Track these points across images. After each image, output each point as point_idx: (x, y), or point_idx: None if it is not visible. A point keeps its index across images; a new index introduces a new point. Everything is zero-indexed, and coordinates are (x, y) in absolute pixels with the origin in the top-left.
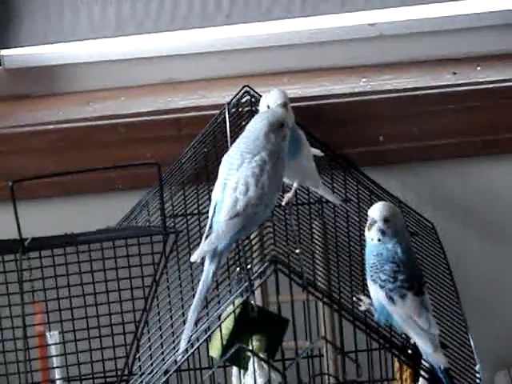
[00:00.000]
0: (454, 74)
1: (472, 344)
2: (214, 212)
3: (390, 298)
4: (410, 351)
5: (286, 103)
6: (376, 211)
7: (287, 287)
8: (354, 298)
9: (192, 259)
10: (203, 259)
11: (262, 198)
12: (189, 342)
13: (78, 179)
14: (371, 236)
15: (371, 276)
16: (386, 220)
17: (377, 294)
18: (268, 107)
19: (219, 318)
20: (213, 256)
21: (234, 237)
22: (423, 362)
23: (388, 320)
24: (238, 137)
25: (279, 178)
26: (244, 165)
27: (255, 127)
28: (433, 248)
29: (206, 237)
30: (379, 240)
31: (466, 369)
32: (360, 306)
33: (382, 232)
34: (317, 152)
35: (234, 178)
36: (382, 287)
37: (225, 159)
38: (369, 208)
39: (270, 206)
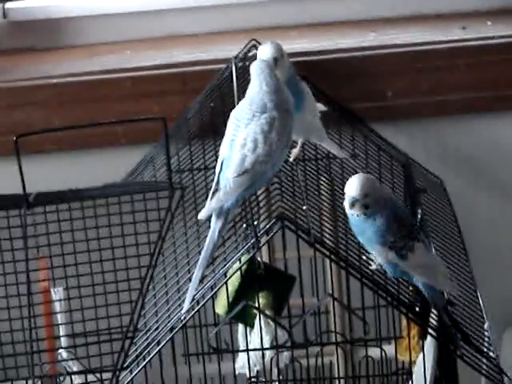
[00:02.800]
0: (464, 28)
1: (480, 302)
2: (221, 168)
3: (401, 256)
4: (417, 308)
5: (277, 57)
6: (354, 189)
7: (294, 244)
8: (364, 257)
9: (199, 217)
10: (210, 216)
11: (270, 156)
12: (193, 299)
13: (83, 134)
14: (355, 212)
15: (378, 241)
16: (366, 195)
17: (387, 255)
18: None
19: (225, 274)
20: (219, 213)
21: (241, 194)
22: (431, 319)
23: (402, 276)
24: (244, 91)
25: (288, 135)
26: (253, 121)
27: (262, 82)
28: (441, 204)
29: (213, 194)
30: (365, 214)
31: (474, 327)
32: (370, 265)
33: (365, 207)
34: (320, 106)
35: (243, 134)
36: (391, 248)
37: (233, 115)
38: (377, 164)
39: (279, 163)
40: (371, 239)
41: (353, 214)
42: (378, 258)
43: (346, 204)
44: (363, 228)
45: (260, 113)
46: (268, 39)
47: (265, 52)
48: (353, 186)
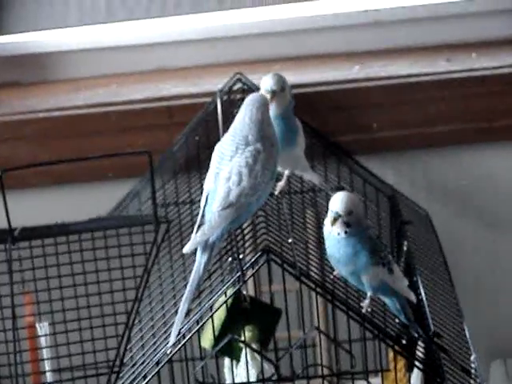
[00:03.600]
0: (449, 60)
1: (467, 334)
2: (206, 202)
3: (390, 270)
4: (404, 341)
5: (275, 90)
6: (339, 204)
7: (280, 277)
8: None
9: (184, 251)
10: (195, 249)
11: (255, 188)
12: (179, 333)
13: (69, 168)
14: (336, 230)
15: (373, 261)
16: (349, 213)
17: (378, 273)
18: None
19: (211, 308)
20: (205, 247)
21: (226, 227)
22: (417, 352)
23: (390, 297)
24: (230, 124)
25: (273, 167)
26: (237, 154)
27: (246, 115)
28: (427, 236)
29: (198, 227)
30: (346, 232)
31: (461, 359)
32: (361, 302)
33: (348, 225)
34: None
35: (227, 167)
36: (384, 265)
37: (217, 148)
38: (363, 196)
39: (264, 196)
40: (365, 262)
41: (330, 232)
42: (372, 280)
43: (328, 220)
44: (351, 251)
45: (244, 145)
46: (253, 72)
47: (265, 83)
48: (337, 202)
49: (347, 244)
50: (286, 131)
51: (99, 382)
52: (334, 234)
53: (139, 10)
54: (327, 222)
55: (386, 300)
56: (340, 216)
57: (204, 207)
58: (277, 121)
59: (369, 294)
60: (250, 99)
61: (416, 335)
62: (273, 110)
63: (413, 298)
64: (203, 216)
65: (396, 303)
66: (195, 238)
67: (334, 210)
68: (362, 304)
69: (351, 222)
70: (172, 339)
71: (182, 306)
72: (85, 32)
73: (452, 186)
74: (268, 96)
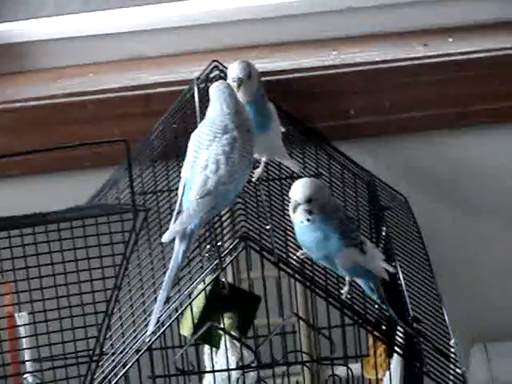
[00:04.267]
0: (425, 45)
1: (446, 319)
2: (184, 191)
3: (362, 250)
4: (384, 327)
5: (242, 79)
6: (297, 192)
7: (259, 264)
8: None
9: (163, 240)
10: (174, 238)
11: (232, 176)
12: (158, 321)
13: (47, 157)
14: (298, 218)
15: (344, 243)
16: (309, 200)
17: (351, 255)
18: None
19: (190, 296)
20: (183, 235)
21: (205, 216)
22: (397, 337)
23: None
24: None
25: (250, 155)
26: (214, 143)
27: (222, 104)
28: (406, 221)
29: (176, 216)
30: (308, 220)
31: (440, 344)
32: (341, 288)
33: (309, 212)
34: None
35: (204, 156)
36: (356, 246)
37: (193, 137)
38: (341, 182)
39: (242, 183)
40: (337, 245)
41: (295, 219)
42: (345, 262)
43: (290, 208)
44: (322, 235)
45: (221, 134)
46: (229, 59)
47: (231, 71)
48: (295, 190)
49: (314, 229)
50: (258, 117)
51: (79, 370)
52: (296, 222)
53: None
54: (290, 210)
55: (360, 280)
56: (299, 204)
57: (182, 196)
58: (247, 107)
59: (347, 279)
60: (219, 88)
61: (390, 316)
62: (241, 98)
63: (386, 276)
64: (181, 205)
65: (370, 282)
66: (173, 227)
67: (294, 198)
68: (341, 291)
69: (312, 209)
70: (151, 327)
71: (161, 295)
72: (61, 21)
73: (431, 172)
74: (234, 84)
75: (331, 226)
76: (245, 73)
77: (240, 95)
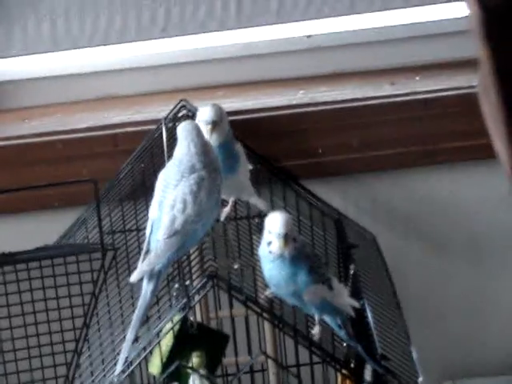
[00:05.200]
0: (393, 84)
1: (414, 356)
2: (152, 230)
3: (330, 287)
4: (352, 365)
5: (216, 121)
6: (283, 225)
7: (228, 303)
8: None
9: (131, 280)
10: (142, 277)
11: (200, 215)
12: (126, 360)
13: (15, 197)
14: (288, 249)
15: (314, 279)
16: (292, 229)
17: (319, 292)
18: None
19: (158, 335)
20: (151, 275)
21: (172, 255)
22: (366, 376)
23: (327, 312)
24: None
25: (217, 194)
26: (182, 182)
27: (189, 143)
28: (374, 260)
29: (144, 255)
30: (295, 248)
31: (408, 381)
32: (312, 329)
33: (295, 240)
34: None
35: (171, 195)
36: (323, 282)
37: (161, 177)
38: (309, 220)
39: (209, 223)
40: (305, 281)
41: (283, 255)
42: (313, 299)
43: (277, 243)
44: (291, 271)
45: (188, 173)
46: (197, 99)
47: (204, 115)
48: (280, 223)
49: (290, 263)
50: (227, 159)
51: None
52: (283, 256)
53: (82, 39)
54: (275, 246)
55: (327, 317)
56: (287, 235)
57: (149, 235)
58: (218, 150)
59: (317, 318)
60: (187, 128)
61: (358, 353)
62: (214, 140)
63: (352, 313)
64: (149, 244)
65: (337, 319)
66: (141, 267)
67: (281, 231)
68: (312, 331)
69: (296, 237)
70: (119, 366)
71: (129, 334)
72: (29, 61)
73: (398, 210)
74: (209, 127)
75: (301, 262)
76: (218, 115)
77: (213, 138)
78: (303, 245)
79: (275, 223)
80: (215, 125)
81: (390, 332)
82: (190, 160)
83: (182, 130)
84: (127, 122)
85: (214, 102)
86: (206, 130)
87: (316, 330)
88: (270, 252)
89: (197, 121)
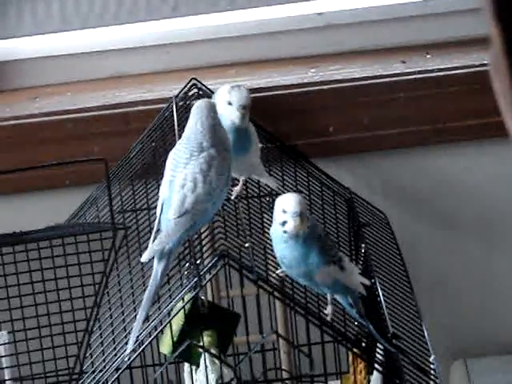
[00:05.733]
0: (403, 62)
1: (426, 335)
2: (162, 209)
3: (341, 267)
4: (363, 344)
5: (245, 106)
6: (296, 204)
7: (239, 282)
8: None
9: (142, 259)
10: (153, 257)
11: (210, 194)
12: (137, 340)
13: (26, 176)
14: (302, 228)
15: (324, 260)
16: (306, 208)
17: (330, 272)
18: (230, 104)
19: (169, 314)
20: (162, 255)
21: (183, 235)
22: (377, 355)
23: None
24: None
25: (227, 173)
26: (191, 161)
27: (197, 122)
28: (385, 238)
29: (155, 235)
30: (308, 227)
31: (420, 360)
32: (325, 309)
33: (308, 220)
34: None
35: (181, 174)
36: (335, 263)
37: (171, 156)
38: (320, 200)
39: (219, 201)
40: (317, 262)
41: (282, 232)
42: (324, 279)
43: (292, 223)
44: (303, 252)
45: (198, 152)
46: (208, 78)
47: (238, 99)
48: (294, 202)
49: (297, 245)
50: (240, 139)
51: None
52: (298, 235)
53: (93, 18)
54: (290, 225)
55: (339, 296)
56: (302, 213)
57: (160, 215)
58: (232, 130)
59: (329, 298)
60: (198, 106)
61: (370, 332)
62: (244, 123)
63: (363, 291)
64: (159, 223)
65: (348, 298)
66: (152, 247)
67: (295, 210)
68: (325, 311)
69: (308, 217)
70: (130, 346)
71: (140, 313)
72: (39, 40)
73: (409, 188)
74: (243, 111)
75: (312, 243)
76: (250, 100)
77: (245, 121)
78: (315, 225)
79: (290, 202)
80: (245, 108)
81: (402, 311)
82: (199, 139)
83: (194, 108)
84: (138, 100)
85: (238, 84)
86: (237, 114)
87: (329, 310)
88: (285, 232)
89: (222, 101)
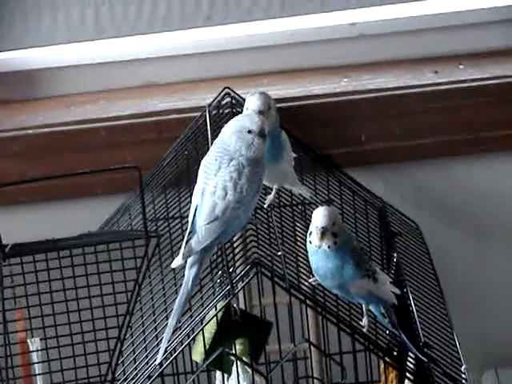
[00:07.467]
0: (436, 72)
1: (458, 344)
2: (194, 217)
3: (375, 279)
4: (395, 353)
5: (263, 111)
6: (322, 218)
7: (271, 290)
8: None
9: (173, 265)
10: (185, 264)
11: (241, 202)
12: (167, 348)
13: (59, 184)
14: (326, 244)
15: (359, 274)
16: (333, 224)
17: (365, 285)
18: (247, 109)
19: (201, 322)
20: (193, 261)
21: (214, 241)
22: (408, 363)
23: (372, 302)
24: None
25: (258, 181)
26: (221, 169)
27: (229, 132)
28: (417, 248)
29: (187, 242)
30: (335, 243)
31: (452, 370)
32: (361, 320)
33: (335, 235)
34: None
35: (213, 182)
36: (369, 276)
37: (203, 163)
38: (352, 209)
39: (251, 209)
40: (352, 275)
41: (322, 247)
42: (359, 292)
43: (315, 237)
44: (338, 264)
45: (228, 160)
46: (241, 87)
47: (251, 104)
48: (320, 217)
49: (335, 256)
50: (273, 147)
51: None
52: (323, 248)
53: (127, 26)
54: (314, 238)
55: (371, 306)
56: (327, 229)
57: (192, 222)
58: None
59: (364, 309)
60: (235, 118)
61: (401, 341)
62: None
63: (395, 301)
64: (191, 231)
65: (380, 308)
66: (183, 253)
67: (320, 225)
68: (361, 323)
69: (337, 232)
70: (160, 354)
71: (171, 321)
72: (73, 49)
73: (441, 198)
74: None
75: (349, 255)
76: (266, 105)
77: (264, 127)
78: (349, 238)
79: (318, 216)
80: (262, 114)
81: (433, 320)
82: (227, 147)
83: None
84: (171, 109)
85: (261, 91)
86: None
87: (365, 322)
88: (310, 242)
89: (245, 108)
